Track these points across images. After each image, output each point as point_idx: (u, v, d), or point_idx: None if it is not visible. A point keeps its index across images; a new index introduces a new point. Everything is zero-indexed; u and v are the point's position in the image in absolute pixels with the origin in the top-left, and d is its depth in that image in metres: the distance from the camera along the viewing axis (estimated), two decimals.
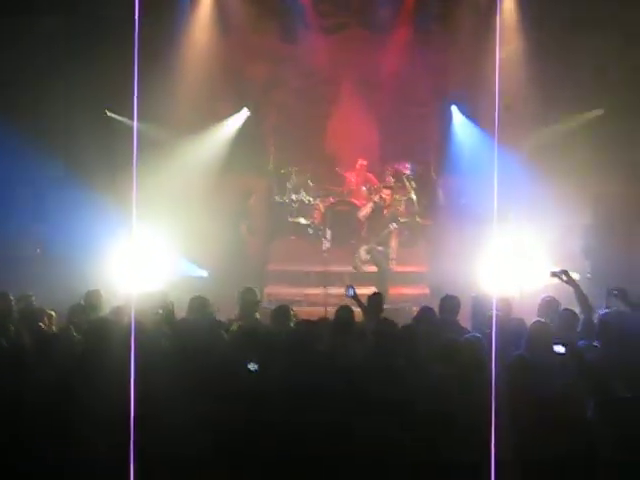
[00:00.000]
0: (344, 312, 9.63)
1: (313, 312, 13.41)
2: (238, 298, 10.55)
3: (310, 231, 17.65)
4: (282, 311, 9.77)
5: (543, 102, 16.61)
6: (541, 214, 15.22)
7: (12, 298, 10.42)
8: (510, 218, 12.94)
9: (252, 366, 7.52)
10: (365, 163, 18.38)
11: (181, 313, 9.76)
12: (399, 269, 16.61)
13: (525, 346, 8.16)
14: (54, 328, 9.58)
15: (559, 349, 7.84)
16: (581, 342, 8.25)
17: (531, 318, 9.08)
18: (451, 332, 8.92)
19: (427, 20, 18.19)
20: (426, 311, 9.94)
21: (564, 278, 9.76)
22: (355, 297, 10.66)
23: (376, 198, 15.99)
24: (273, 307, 10.41)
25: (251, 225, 17.19)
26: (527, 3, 17.11)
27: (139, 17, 6.70)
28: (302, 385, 7.28)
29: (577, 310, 9.37)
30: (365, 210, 16.29)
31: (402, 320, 10.09)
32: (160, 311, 9.23)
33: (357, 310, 10.25)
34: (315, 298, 15.79)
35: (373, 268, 15.98)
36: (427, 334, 8.87)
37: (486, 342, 7.79)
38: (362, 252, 15.84)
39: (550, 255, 14.23)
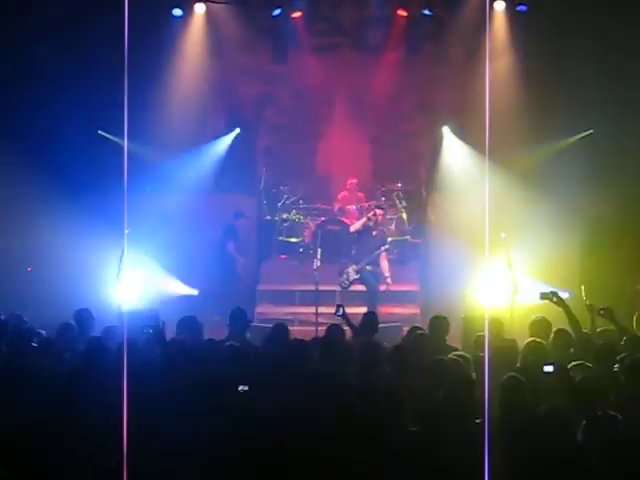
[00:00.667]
0: (334, 331, 9.65)
1: (304, 331, 13.40)
2: (229, 318, 10.54)
3: (300, 250, 17.63)
4: (280, 330, 9.81)
5: (534, 121, 16.64)
6: (533, 234, 15.20)
7: (2, 317, 10.40)
8: (501, 238, 12.91)
9: (242, 388, 7.49)
10: (355, 181, 18.40)
11: (170, 333, 9.75)
12: (390, 288, 16.62)
13: (520, 365, 8.15)
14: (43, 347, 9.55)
15: (548, 368, 7.85)
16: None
17: (523, 338, 9.10)
18: (439, 352, 8.93)
19: (418, 40, 18.23)
20: (415, 331, 9.96)
21: (554, 299, 9.77)
22: (344, 316, 10.66)
23: (370, 215, 15.95)
24: (263, 326, 10.41)
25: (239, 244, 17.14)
26: (517, 22, 17.18)
27: (129, 37, 6.69)
28: (292, 406, 7.25)
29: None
30: (357, 224, 16.25)
31: (392, 339, 10.12)
32: (150, 330, 9.21)
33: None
34: (305, 317, 15.77)
35: (360, 287, 15.93)
36: (416, 354, 8.87)
37: (478, 363, 7.79)
38: (351, 271, 15.79)
39: (542, 275, 14.23)
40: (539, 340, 9.02)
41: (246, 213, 17.50)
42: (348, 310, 10.94)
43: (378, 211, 16.03)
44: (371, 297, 15.53)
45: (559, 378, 7.73)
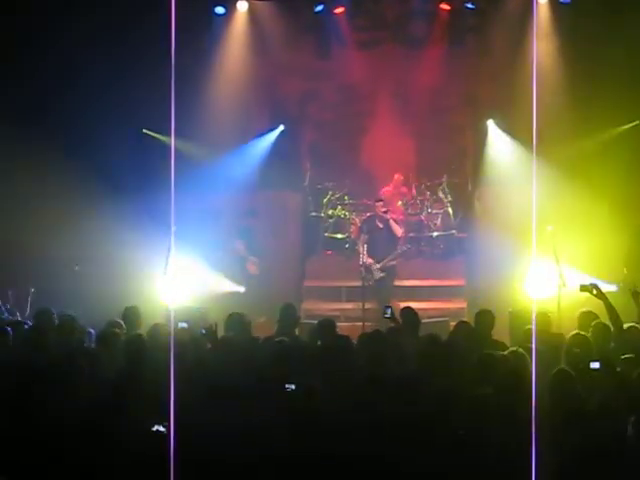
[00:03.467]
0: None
1: (350, 327, 13.42)
2: (278, 314, 10.57)
3: (346, 246, 17.61)
4: (327, 324, 9.85)
5: (580, 113, 16.53)
6: (580, 226, 15.10)
7: (54, 315, 10.49)
8: (548, 231, 12.83)
9: (289, 386, 7.50)
10: (401, 177, 18.36)
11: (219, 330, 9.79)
12: (437, 283, 16.66)
13: (565, 359, 8.10)
14: (93, 345, 9.63)
15: (595, 365, 7.79)
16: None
17: (571, 332, 9.05)
18: (485, 346, 8.90)
19: (462, 33, 18.20)
20: (462, 326, 9.94)
21: (594, 292, 9.70)
22: (393, 317, 10.63)
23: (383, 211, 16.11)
24: (311, 322, 10.43)
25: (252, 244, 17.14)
26: (560, 13, 17.07)
27: (175, 35, 6.72)
28: (342, 405, 7.26)
29: None
30: (400, 229, 16.33)
31: (440, 335, 10.08)
32: (204, 331, 9.29)
33: None
34: (352, 313, 15.78)
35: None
36: (465, 349, 8.85)
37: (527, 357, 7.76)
38: (375, 270, 15.76)
39: (589, 268, 14.12)
40: (583, 333, 8.96)
41: (258, 211, 17.52)
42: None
43: (378, 204, 16.13)
44: (389, 292, 15.59)
45: (606, 373, 7.67)
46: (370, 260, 15.78)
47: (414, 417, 6.97)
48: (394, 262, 16.12)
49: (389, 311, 10.63)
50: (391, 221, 16.18)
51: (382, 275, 15.87)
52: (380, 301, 15.05)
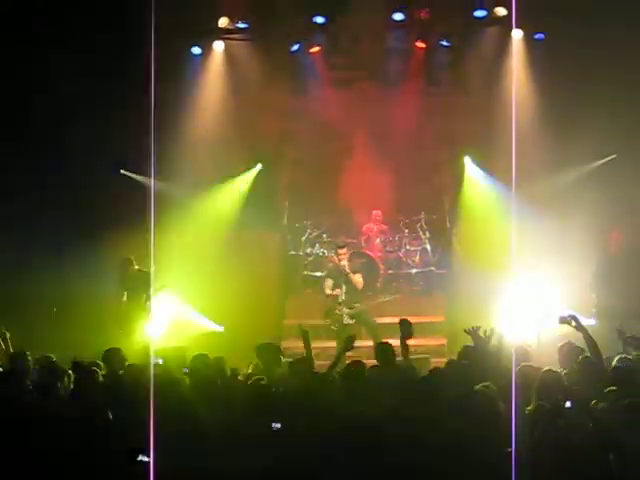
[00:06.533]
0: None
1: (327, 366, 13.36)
2: (257, 353, 10.53)
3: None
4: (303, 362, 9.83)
5: (555, 148, 16.62)
6: (558, 260, 15.17)
7: (29, 357, 10.43)
8: (526, 265, 12.91)
9: (274, 425, 7.49)
10: (380, 213, 18.41)
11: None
12: (416, 320, 16.61)
13: (535, 396, 8.07)
14: (72, 386, 9.57)
15: (567, 404, 7.76)
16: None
17: (552, 366, 9.03)
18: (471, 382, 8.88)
19: (437, 71, 18.33)
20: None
21: (573, 324, 9.70)
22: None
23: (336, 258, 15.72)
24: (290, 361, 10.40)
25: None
26: (534, 50, 17.22)
27: (153, 75, 6.75)
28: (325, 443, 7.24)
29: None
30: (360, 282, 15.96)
31: (422, 371, 10.06)
32: (186, 370, 9.28)
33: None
34: (332, 352, 15.70)
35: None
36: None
37: (505, 392, 7.74)
38: (345, 316, 15.39)
39: (568, 302, 14.16)
40: (554, 370, 8.95)
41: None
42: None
43: (340, 250, 15.80)
44: (374, 333, 15.25)
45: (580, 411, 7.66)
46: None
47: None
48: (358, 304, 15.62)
49: None
50: (350, 275, 15.77)
51: (351, 322, 15.33)
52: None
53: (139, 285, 14.37)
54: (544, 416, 7.38)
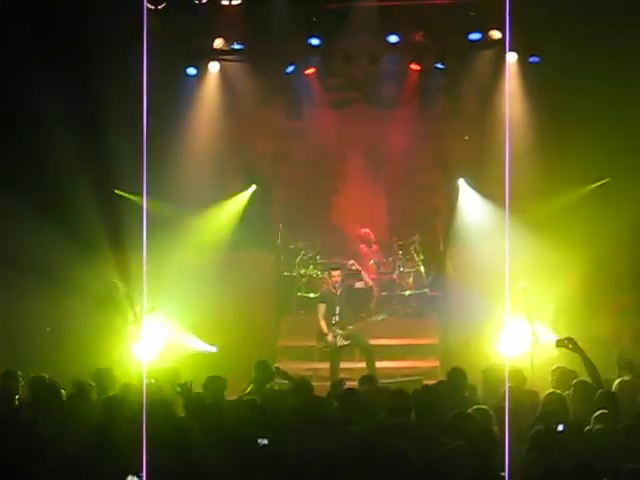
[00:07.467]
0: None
1: (323, 387, 13.34)
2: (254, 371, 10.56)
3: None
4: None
5: (549, 171, 16.65)
6: (551, 283, 15.18)
7: (20, 377, 10.41)
8: (520, 288, 12.91)
9: (261, 441, 7.49)
10: (368, 231, 18.40)
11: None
12: (410, 342, 16.62)
13: (539, 419, 8.06)
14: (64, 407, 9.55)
15: (560, 427, 7.75)
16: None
17: (545, 389, 9.04)
18: (459, 405, 8.87)
19: (432, 93, 18.35)
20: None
21: (570, 346, 9.69)
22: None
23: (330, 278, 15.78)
24: (283, 382, 10.40)
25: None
26: (529, 73, 17.26)
27: (147, 96, 6.76)
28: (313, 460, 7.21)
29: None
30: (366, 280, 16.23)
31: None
32: (178, 389, 9.26)
33: None
34: (325, 373, 15.70)
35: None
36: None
37: (500, 415, 7.72)
38: (339, 338, 15.38)
39: (560, 325, 14.19)
40: (559, 392, 8.95)
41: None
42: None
43: (334, 272, 15.84)
44: (368, 354, 15.25)
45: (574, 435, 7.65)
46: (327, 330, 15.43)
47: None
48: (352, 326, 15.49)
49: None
50: (362, 273, 15.90)
51: (346, 344, 15.32)
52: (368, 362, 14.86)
53: (124, 308, 14.37)
54: (538, 440, 7.36)
